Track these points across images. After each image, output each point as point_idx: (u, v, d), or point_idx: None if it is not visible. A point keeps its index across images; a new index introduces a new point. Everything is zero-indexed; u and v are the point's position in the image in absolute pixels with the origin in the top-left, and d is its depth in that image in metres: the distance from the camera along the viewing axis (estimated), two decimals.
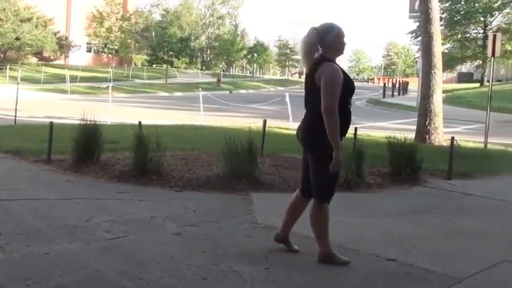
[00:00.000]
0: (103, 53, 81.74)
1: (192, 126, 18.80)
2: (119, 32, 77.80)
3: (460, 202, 9.44)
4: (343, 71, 5.63)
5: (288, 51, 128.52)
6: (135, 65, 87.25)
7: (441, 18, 57.77)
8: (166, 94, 48.90)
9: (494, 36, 16.71)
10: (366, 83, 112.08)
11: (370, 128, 20.52)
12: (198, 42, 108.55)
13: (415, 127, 16.91)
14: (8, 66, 49.54)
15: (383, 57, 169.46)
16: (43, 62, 66.18)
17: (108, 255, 5.78)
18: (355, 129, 12.02)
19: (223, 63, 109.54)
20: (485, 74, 71.62)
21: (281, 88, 71.56)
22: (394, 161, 10.53)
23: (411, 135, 14.01)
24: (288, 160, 11.59)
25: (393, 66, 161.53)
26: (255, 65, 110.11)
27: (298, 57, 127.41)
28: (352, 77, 6.16)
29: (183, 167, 10.49)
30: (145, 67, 78.15)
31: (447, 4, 72.61)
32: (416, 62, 73.12)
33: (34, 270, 5.23)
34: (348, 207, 7.94)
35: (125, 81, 57.40)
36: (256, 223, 7.32)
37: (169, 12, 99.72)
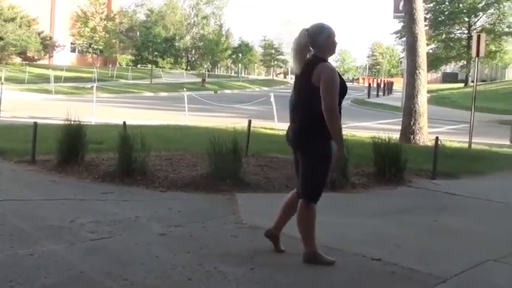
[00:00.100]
0: (87, 53, 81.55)
1: (177, 127, 18.78)
2: (104, 32, 77.62)
3: (444, 202, 9.47)
4: (337, 72, 5.67)
5: (273, 51, 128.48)
6: (120, 65, 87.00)
7: (426, 19, 57.99)
8: (151, 94, 48.80)
9: (479, 37, 16.79)
10: (351, 83, 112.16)
11: (355, 128, 20.56)
12: (182, 42, 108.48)
13: (399, 127, 16.96)
14: None
15: (368, 57, 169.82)
16: (27, 62, 65.84)
17: (93, 256, 5.76)
18: None
19: (208, 63, 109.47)
20: (470, 74, 71.89)
21: (266, 88, 71.62)
22: (378, 161, 10.55)
23: (396, 135, 14.06)
24: (272, 160, 11.59)
25: (378, 67, 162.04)
26: (240, 65, 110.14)
27: (283, 57, 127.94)
28: None
29: (168, 167, 10.47)
30: (130, 67, 77.93)
31: (431, 4, 72.90)
32: (401, 62, 73.18)
33: (18, 272, 5.19)
34: (332, 207, 7.95)
35: (110, 81, 57.24)
36: (241, 223, 7.31)
37: (153, 12, 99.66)
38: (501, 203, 9.56)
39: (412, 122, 16.35)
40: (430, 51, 68.04)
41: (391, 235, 7.15)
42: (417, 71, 16.41)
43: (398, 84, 68.15)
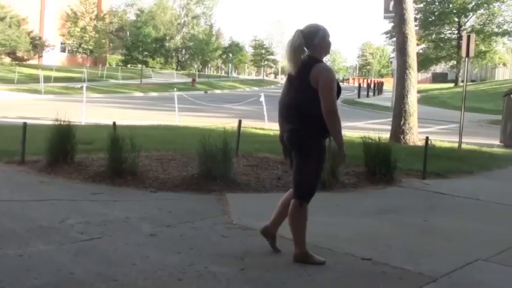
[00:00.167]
0: (77, 53, 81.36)
1: (167, 127, 18.78)
2: (93, 32, 77.44)
3: (434, 201, 9.50)
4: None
5: (263, 51, 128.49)
6: (110, 65, 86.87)
7: (416, 19, 58.10)
8: (141, 94, 48.77)
9: (469, 37, 16.83)
10: (341, 84, 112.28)
11: (345, 128, 20.45)
12: (173, 42, 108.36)
13: (390, 127, 17.00)
14: None
15: (358, 57, 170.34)
16: (17, 62, 65.69)
17: (83, 257, 5.74)
18: None
19: (199, 63, 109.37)
20: (460, 74, 72.30)
21: (256, 88, 71.67)
22: (369, 161, 10.56)
23: (386, 135, 14.08)
24: (263, 160, 11.59)
25: (368, 67, 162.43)
26: (230, 65, 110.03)
27: (274, 57, 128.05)
28: None
29: (158, 168, 10.46)
30: (120, 67, 77.75)
31: (421, 5, 73.24)
32: (391, 62, 73.57)
33: (8, 273, 5.18)
34: (323, 207, 7.95)
35: (100, 81, 57.11)
36: (231, 224, 7.30)
37: (143, 12, 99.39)
38: (490, 202, 9.59)
39: (402, 122, 16.38)
40: (420, 51, 68.30)
41: (381, 235, 7.16)
42: (407, 71, 16.45)
43: (389, 85, 68.32)
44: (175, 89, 30.58)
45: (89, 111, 22.19)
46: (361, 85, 64.16)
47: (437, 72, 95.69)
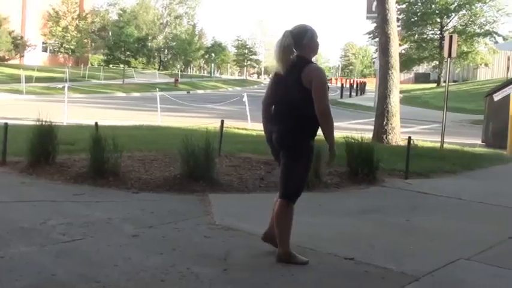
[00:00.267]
0: (59, 53, 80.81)
1: (150, 127, 18.73)
2: (75, 32, 76.99)
3: (416, 201, 9.53)
4: None
5: (246, 51, 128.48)
6: (92, 65, 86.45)
7: (398, 20, 58.26)
8: (124, 95, 48.58)
9: (451, 38, 16.90)
10: None
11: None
12: (155, 42, 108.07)
13: (372, 127, 17.03)
14: None
15: (341, 57, 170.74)
16: None
17: (65, 258, 5.70)
18: None
19: (181, 63, 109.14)
20: (442, 74, 72.57)
21: (239, 88, 71.64)
22: (351, 161, 10.58)
23: (369, 135, 14.10)
24: (245, 160, 11.58)
25: (351, 67, 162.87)
26: (212, 65, 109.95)
27: (257, 57, 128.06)
28: None
29: (140, 168, 10.42)
30: (102, 67, 77.40)
31: (404, 5, 73.44)
32: (373, 62, 73.60)
33: None
34: (305, 207, 7.93)
35: (81, 81, 56.83)
36: (214, 224, 7.29)
37: (126, 11, 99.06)
38: (473, 202, 9.63)
39: (384, 122, 16.43)
40: (403, 51, 68.39)
41: (364, 234, 7.18)
42: (390, 72, 16.49)
43: (371, 85, 68.62)
44: (157, 89, 30.49)
45: (70, 111, 22.10)
46: (344, 85, 64.24)
47: (419, 72, 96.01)
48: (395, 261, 5.97)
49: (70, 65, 71.52)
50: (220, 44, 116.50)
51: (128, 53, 74.85)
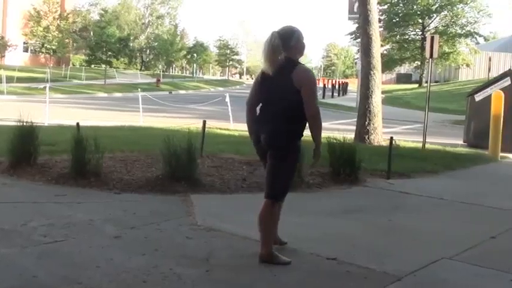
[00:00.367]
0: (40, 53, 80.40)
1: (131, 128, 18.65)
2: (57, 32, 76.57)
3: (398, 201, 9.56)
4: None
5: (228, 51, 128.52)
6: (73, 65, 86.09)
7: (380, 20, 58.59)
8: (105, 95, 48.37)
9: (432, 38, 16.94)
10: None
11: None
12: (137, 42, 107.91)
13: (354, 127, 17.05)
14: None
15: (323, 58, 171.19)
16: None
17: (46, 260, 5.67)
18: None
19: (163, 64, 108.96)
20: (424, 75, 72.85)
21: (221, 88, 71.57)
22: (333, 161, 10.58)
23: (351, 136, 14.14)
24: (228, 161, 11.57)
25: (333, 67, 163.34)
26: (194, 65, 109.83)
27: (239, 57, 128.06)
28: None
29: (122, 169, 10.38)
30: (83, 67, 77.13)
31: (386, 6, 73.71)
32: (355, 63, 74.02)
33: None
34: (287, 207, 7.91)
35: (63, 81, 56.54)
36: (196, 225, 7.27)
37: (107, 11, 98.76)
38: (455, 201, 9.68)
39: (366, 123, 16.45)
40: (385, 52, 68.71)
41: (346, 234, 7.19)
42: (372, 72, 16.53)
43: (353, 85, 68.66)
44: (139, 89, 30.37)
45: (52, 111, 21.98)
46: (326, 86, 64.35)
47: (401, 73, 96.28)
48: (378, 261, 5.99)
49: (51, 65, 71.14)
50: (202, 44, 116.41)
51: (110, 53, 74.59)
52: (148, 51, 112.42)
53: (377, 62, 16.62)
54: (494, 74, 48.93)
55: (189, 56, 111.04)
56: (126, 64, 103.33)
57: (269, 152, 5.80)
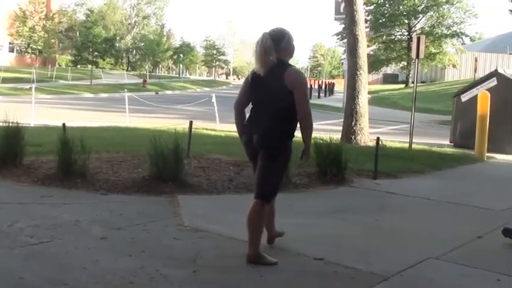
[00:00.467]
0: (26, 53, 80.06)
1: (118, 128, 18.59)
2: (43, 32, 76.26)
3: (385, 201, 9.59)
4: None
5: (215, 51, 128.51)
6: (59, 65, 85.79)
7: (366, 21, 58.66)
8: (91, 95, 48.19)
9: (419, 39, 16.98)
10: None
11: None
12: (123, 42, 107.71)
13: (341, 128, 17.07)
14: None
15: (309, 58, 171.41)
16: None
17: (33, 261, 5.64)
18: None
19: (149, 64, 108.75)
20: (410, 75, 73.07)
21: (207, 89, 71.44)
22: (320, 162, 10.59)
23: (337, 136, 14.16)
24: (214, 162, 11.56)
25: (319, 68, 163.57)
26: (181, 65, 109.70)
27: (225, 57, 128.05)
28: None
29: (109, 170, 10.35)
30: (69, 68, 76.90)
31: (372, 7, 73.91)
32: (342, 63, 74.00)
33: None
34: (275, 207, 7.96)
35: (49, 82, 56.29)
36: (182, 226, 7.26)
37: (93, 11, 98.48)
38: (441, 201, 9.71)
39: (353, 123, 16.48)
40: (371, 52, 68.78)
41: (333, 234, 7.20)
42: (358, 72, 16.56)
43: (340, 86, 68.77)
44: (125, 89, 30.31)
45: (38, 112, 21.88)
46: (313, 86, 64.37)
47: (388, 73, 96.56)
48: (364, 261, 6.00)
49: (37, 65, 70.77)
50: (189, 45, 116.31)
51: (96, 53, 74.44)
52: (134, 51, 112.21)
53: (363, 62, 16.65)
54: (480, 74, 49.19)
55: (175, 57, 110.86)
56: (113, 64, 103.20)
57: (261, 153, 5.83)
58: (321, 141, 10.71)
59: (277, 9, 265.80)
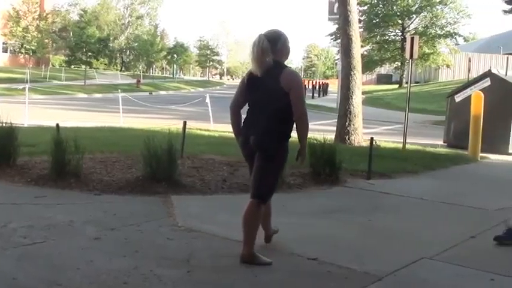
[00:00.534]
0: (20, 54, 79.90)
1: (112, 129, 18.56)
2: (36, 32, 76.13)
3: (379, 201, 9.59)
4: None
5: (209, 51, 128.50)
6: (53, 65, 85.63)
7: (360, 21, 58.77)
8: (85, 96, 48.11)
9: (412, 39, 17.00)
10: None
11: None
12: (117, 42, 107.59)
13: (335, 128, 17.07)
14: None
15: (303, 59, 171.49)
16: None
17: (26, 262, 5.62)
18: None
19: (143, 64, 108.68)
20: (404, 75, 73.16)
21: (201, 89, 71.39)
22: (314, 162, 10.59)
23: (331, 136, 14.16)
24: (208, 162, 11.55)
25: (313, 68, 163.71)
26: (175, 65, 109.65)
27: (219, 57, 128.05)
28: None
29: (102, 170, 10.33)
30: (63, 68, 76.79)
31: (366, 7, 73.97)
32: (336, 63, 73.96)
33: None
34: None
35: (42, 82, 56.09)
36: (176, 226, 7.26)
37: (87, 12, 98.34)
38: (435, 201, 9.72)
39: (347, 123, 16.49)
40: (365, 53, 68.82)
41: (326, 234, 7.21)
42: (352, 73, 16.57)
43: (334, 86, 68.69)
44: (119, 90, 30.28)
45: (31, 112, 21.83)
46: (307, 86, 64.39)
47: (381, 73, 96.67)
48: (358, 261, 6.00)
49: (31, 65, 70.62)
50: (183, 45, 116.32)
51: (90, 53, 74.44)
52: (128, 51, 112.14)
53: (357, 62, 16.67)
54: (474, 74, 49.21)
55: (169, 57, 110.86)
56: (106, 65, 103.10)
57: (257, 153, 5.86)
58: (315, 142, 10.71)
59: (271, 9, 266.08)
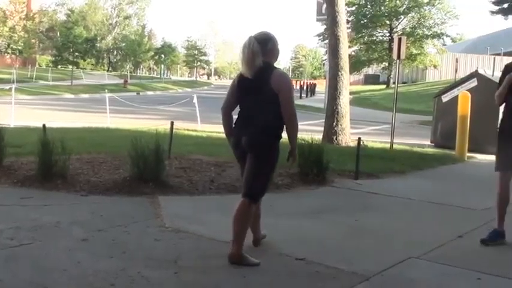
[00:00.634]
0: (6, 54, 79.55)
1: (99, 129, 18.51)
2: (23, 32, 75.83)
3: (366, 201, 9.60)
4: None
5: (196, 52, 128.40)
6: (40, 66, 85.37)
7: (348, 22, 58.82)
8: (72, 96, 47.96)
9: (400, 40, 17.04)
10: None
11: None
12: (104, 42, 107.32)
13: (322, 128, 17.08)
14: None
15: (291, 59, 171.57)
16: None
17: (13, 264, 5.59)
18: None
19: (131, 65, 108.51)
20: (391, 76, 73.36)
21: (189, 89, 71.27)
22: (301, 162, 10.58)
23: (319, 137, 14.16)
24: (195, 162, 11.53)
25: (301, 69, 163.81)
26: (162, 66, 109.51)
27: (207, 58, 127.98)
28: None
29: (89, 171, 10.29)
30: (50, 68, 76.55)
31: (354, 8, 74.12)
32: (323, 64, 74.23)
33: None
34: None
35: (29, 82, 55.93)
36: (164, 227, 7.24)
37: (74, 12, 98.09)
38: (422, 201, 9.74)
39: (334, 123, 16.50)
40: (353, 53, 69.08)
41: (314, 235, 7.21)
42: (339, 73, 16.58)
43: (321, 86, 68.73)
44: (106, 90, 30.22)
45: (18, 113, 21.74)
46: (294, 87, 64.34)
47: (369, 74, 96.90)
48: (346, 261, 6.01)
49: (17, 65, 70.38)
50: (170, 45, 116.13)
51: (77, 54, 74.22)
52: (115, 52, 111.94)
53: (345, 63, 16.70)
54: (461, 75, 49.39)
55: (156, 57, 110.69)
56: (93, 65, 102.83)
57: (250, 154, 5.89)
58: (303, 142, 10.71)
59: (259, 9, 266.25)
